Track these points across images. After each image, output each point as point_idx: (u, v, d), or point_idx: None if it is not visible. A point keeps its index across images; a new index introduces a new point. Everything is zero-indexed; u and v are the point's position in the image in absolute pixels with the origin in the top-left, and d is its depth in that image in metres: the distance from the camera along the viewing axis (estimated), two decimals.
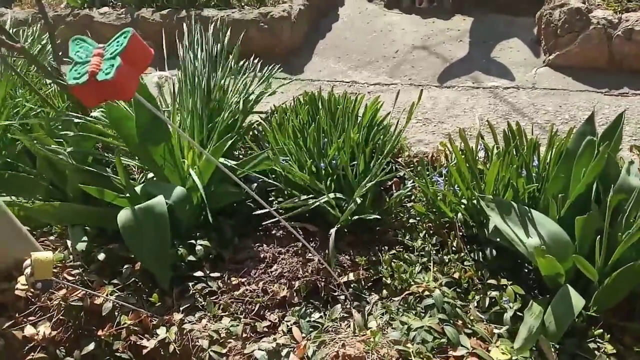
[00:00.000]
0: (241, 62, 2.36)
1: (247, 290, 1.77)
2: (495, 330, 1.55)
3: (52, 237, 2.04)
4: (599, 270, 1.51)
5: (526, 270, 1.76)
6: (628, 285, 1.51)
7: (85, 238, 1.95)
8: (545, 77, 3.23)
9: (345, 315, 1.70)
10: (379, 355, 1.46)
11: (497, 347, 1.48)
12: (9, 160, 2.10)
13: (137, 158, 2.15)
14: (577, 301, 1.48)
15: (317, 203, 1.83)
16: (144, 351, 1.62)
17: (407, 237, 1.88)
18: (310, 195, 1.87)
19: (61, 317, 1.70)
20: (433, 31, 3.85)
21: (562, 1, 3.23)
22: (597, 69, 3.16)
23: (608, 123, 1.75)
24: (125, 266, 1.83)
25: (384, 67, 3.57)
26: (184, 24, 2.46)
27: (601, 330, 1.51)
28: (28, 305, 1.71)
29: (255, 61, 2.41)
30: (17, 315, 1.68)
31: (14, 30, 2.62)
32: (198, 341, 1.62)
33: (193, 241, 1.89)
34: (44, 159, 2.06)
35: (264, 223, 1.93)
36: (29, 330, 1.64)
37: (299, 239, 1.94)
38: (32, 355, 1.59)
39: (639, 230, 1.43)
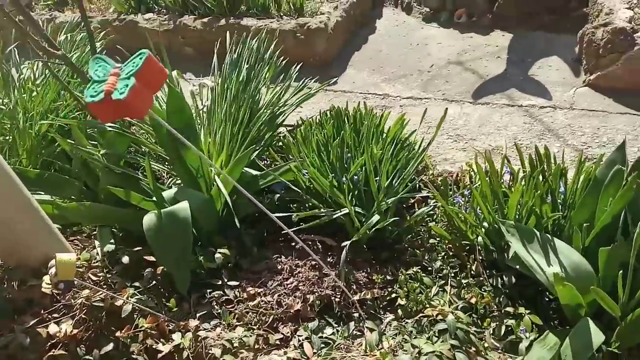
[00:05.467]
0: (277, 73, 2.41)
1: (262, 301, 1.79)
2: None
3: (80, 237, 2.11)
4: (622, 306, 1.45)
5: (547, 300, 1.71)
6: None
7: (112, 240, 2.02)
8: (585, 98, 3.13)
9: (358, 333, 1.69)
10: None
11: None
12: (47, 159, 2.19)
13: (166, 163, 2.22)
14: (597, 336, 1.43)
15: (337, 215, 1.83)
16: (159, 355, 1.66)
17: (426, 258, 1.86)
18: (331, 209, 1.88)
19: (83, 316, 1.76)
20: (470, 46, 3.80)
21: (606, 20, 3.13)
22: None
23: None
24: (147, 270, 1.88)
25: (418, 81, 3.54)
26: (228, 32, 2.53)
27: None
28: (53, 303, 1.78)
29: (292, 71, 2.44)
30: (42, 311, 1.75)
31: (61, 34, 2.75)
32: (211, 349, 1.65)
33: (213, 249, 1.92)
34: (79, 160, 2.15)
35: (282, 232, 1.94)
36: (52, 328, 1.70)
37: (317, 252, 1.96)
38: (54, 352, 1.65)
39: None
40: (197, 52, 4.03)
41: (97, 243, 2.04)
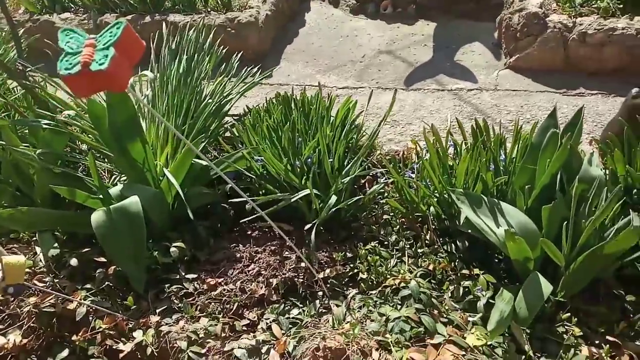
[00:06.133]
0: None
1: (224, 290, 1.77)
2: (470, 318, 1.60)
3: (18, 245, 1.98)
4: (566, 256, 1.58)
5: (497, 260, 1.82)
6: (592, 269, 1.58)
7: (55, 244, 1.90)
8: (507, 79, 3.35)
9: (324, 310, 1.72)
10: (359, 347, 1.48)
11: (473, 333, 1.53)
12: None
13: (106, 160, 2.13)
14: (546, 287, 1.54)
15: (297, 197, 1.84)
16: (121, 355, 1.59)
17: (381, 233, 1.92)
18: (287, 193, 1.89)
19: (32, 325, 1.66)
20: (398, 36, 3.94)
21: (521, 6, 3.37)
22: (555, 70, 3.30)
23: (567, 121, 1.84)
24: (99, 270, 1.80)
25: (352, 71, 3.62)
26: (164, 25, 2.46)
27: (569, 315, 1.58)
28: None
29: (233, 61, 2.42)
30: None
31: None
32: (176, 342, 1.61)
33: (167, 243, 1.87)
34: (10, 164, 2.00)
35: (242, 221, 1.93)
36: None
37: (274, 238, 1.96)
38: None
39: (600, 215, 1.51)
40: None
41: (38, 249, 1.92)
